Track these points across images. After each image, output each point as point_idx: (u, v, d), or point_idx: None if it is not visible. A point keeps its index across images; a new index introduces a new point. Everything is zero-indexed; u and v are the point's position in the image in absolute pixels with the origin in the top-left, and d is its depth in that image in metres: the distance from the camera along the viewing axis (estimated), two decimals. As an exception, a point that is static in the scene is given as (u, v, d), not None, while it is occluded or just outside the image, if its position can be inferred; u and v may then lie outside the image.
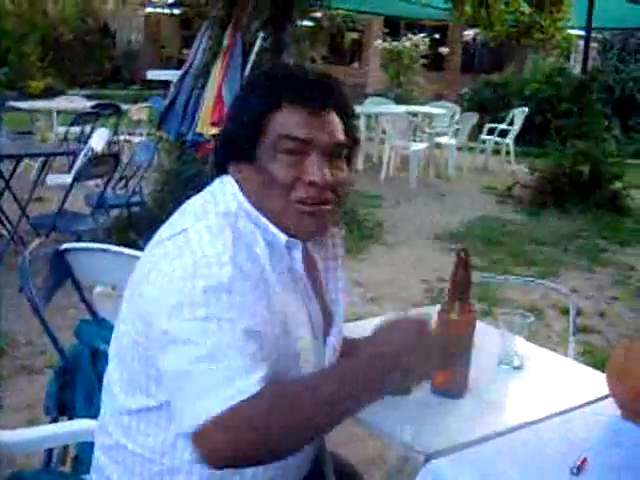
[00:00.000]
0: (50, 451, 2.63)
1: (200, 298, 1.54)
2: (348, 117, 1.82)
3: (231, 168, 1.80)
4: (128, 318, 1.73)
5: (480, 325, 2.08)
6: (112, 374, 1.81)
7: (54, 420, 2.78)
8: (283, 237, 1.74)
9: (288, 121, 1.72)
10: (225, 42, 6.98)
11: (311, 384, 1.60)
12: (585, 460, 1.80)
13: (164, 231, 1.75)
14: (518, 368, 2.30)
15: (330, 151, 1.75)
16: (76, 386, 2.70)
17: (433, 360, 1.65)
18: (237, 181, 1.78)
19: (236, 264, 1.59)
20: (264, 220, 1.74)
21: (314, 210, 1.75)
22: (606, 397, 2.10)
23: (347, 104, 1.83)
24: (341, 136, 1.78)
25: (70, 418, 2.72)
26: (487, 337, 2.17)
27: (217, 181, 1.83)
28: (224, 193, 1.77)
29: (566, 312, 5.22)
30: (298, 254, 1.77)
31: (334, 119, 1.77)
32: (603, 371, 2.17)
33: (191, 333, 1.53)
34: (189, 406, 1.52)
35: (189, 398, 1.52)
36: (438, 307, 2.10)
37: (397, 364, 1.59)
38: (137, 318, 1.68)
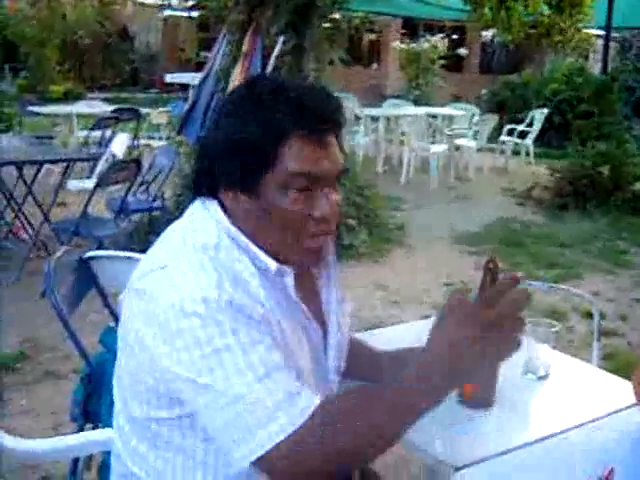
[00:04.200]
0: (76, 459, 2.64)
1: (202, 334, 1.49)
2: (340, 134, 1.74)
3: (222, 194, 1.69)
4: (129, 354, 1.66)
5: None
6: (117, 404, 1.77)
7: (80, 427, 2.79)
8: (273, 264, 1.67)
9: (300, 156, 1.62)
10: (245, 46, 7.00)
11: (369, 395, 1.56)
12: (612, 470, 1.79)
13: (145, 264, 1.68)
14: (543, 377, 2.29)
15: (334, 180, 1.70)
16: (102, 394, 2.71)
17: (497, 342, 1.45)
18: (225, 207, 1.70)
19: (224, 295, 1.53)
20: (254, 248, 1.67)
21: (322, 243, 1.72)
22: (632, 406, 2.10)
23: (343, 122, 1.74)
24: (342, 161, 1.71)
25: (96, 425, 2.73)
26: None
27: (198, 204, 1.73)
28: (205, 221, 1.69)
29: (588, 315, 5.22)
30: (290, 280, 1.70)
31: (335, 144, 1.70)
32: (626, 374, 2.17)
33: (206, 373, 1.49)
34: (244, 440, 1.48)
35: (241, 434, 1.48)
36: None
37: (459, 358, 1.45)
38: (139, 359, 1.62)
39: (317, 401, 1.50)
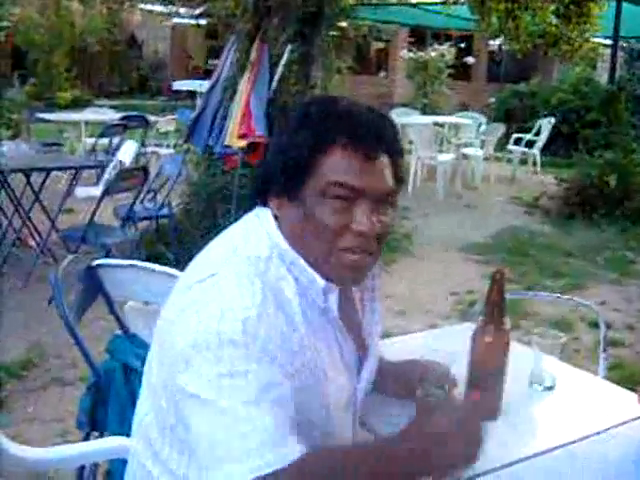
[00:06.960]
0: (82, 467, 2.65)
1: (226, 352, 1.49)
2: (398, 159, 1.74)
3: (271, 202, 1.73)
4: (158, 360, 1.69)
5: (512, 345, 2.06)
6: (146, 416, 1.76)
7: (87, 435, 2.80)
8: (321, 281, 1.68)
9: (341, 166, 1.63)
10: (253, 54, 7.01)
11: (348, 459, 1.57)
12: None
13: (193, 272, 1.69)
14: (550, 388, 2.28)
15: (379, 199, 1.68)
16: (108, 402, 2.72)
17: (475, 443, 1.60)
18: (275, 216, 1.73)
19: (263, 318, 1.53)
20: (302, 262, 1.68)
21: (358, 259, 1.69)
22: (638, 417, 2.09)
23: (399, 147, 1.75)
24: (391, 183, 1.70)
25: (102, 434, 2.74)
26: (518, 357, 2.16)
27: (253, 214, 1.77)
28: (258, 231, 1.71)
29: (595, 325, 5.20)
30: (334, 297, 1.71)
31: (386, 164, 1.69)
32: (632, 385, 2.16)
33: (215, 391, 1.49)
34: (227, 462, 1.47)
35: (215, 460, 1.48)
36: (472, 327, 2.09)
37: (441, 448, 1.56)
38: (165, 364, 1.63)
39: (299, 452, 1.49)
